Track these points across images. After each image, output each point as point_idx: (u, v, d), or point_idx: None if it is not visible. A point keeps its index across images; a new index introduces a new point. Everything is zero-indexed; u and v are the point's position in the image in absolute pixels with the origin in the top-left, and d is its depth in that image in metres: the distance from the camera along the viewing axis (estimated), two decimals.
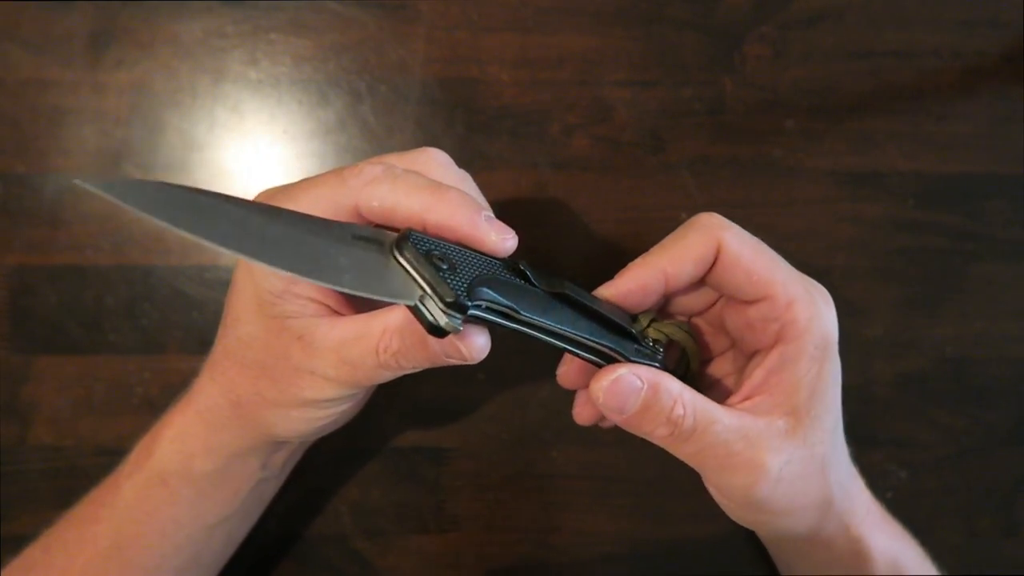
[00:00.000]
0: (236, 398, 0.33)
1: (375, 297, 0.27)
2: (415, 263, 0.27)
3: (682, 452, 0.32)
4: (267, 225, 0.26)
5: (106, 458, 0.44)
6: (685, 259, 0.32)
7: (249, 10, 0.45)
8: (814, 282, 0.34)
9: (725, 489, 0.33)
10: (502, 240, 0.29)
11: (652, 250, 0.33)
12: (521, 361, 0.45)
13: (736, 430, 0.31)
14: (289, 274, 0.26)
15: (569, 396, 0.46)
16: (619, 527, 0.46)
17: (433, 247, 0.28)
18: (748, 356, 0.35)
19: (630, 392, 0.30)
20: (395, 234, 0.28)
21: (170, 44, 0.45)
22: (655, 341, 0.34)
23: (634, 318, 0.34)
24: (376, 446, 0.45)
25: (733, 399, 0.33)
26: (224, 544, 0.39)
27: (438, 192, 0.29)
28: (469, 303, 0.27)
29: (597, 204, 0.46)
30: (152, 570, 0.36)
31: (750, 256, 0.32)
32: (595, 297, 0.32)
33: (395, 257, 0.28)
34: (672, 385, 0.31)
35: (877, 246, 0.47)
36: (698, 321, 0.37)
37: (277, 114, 0.45)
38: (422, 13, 0.45)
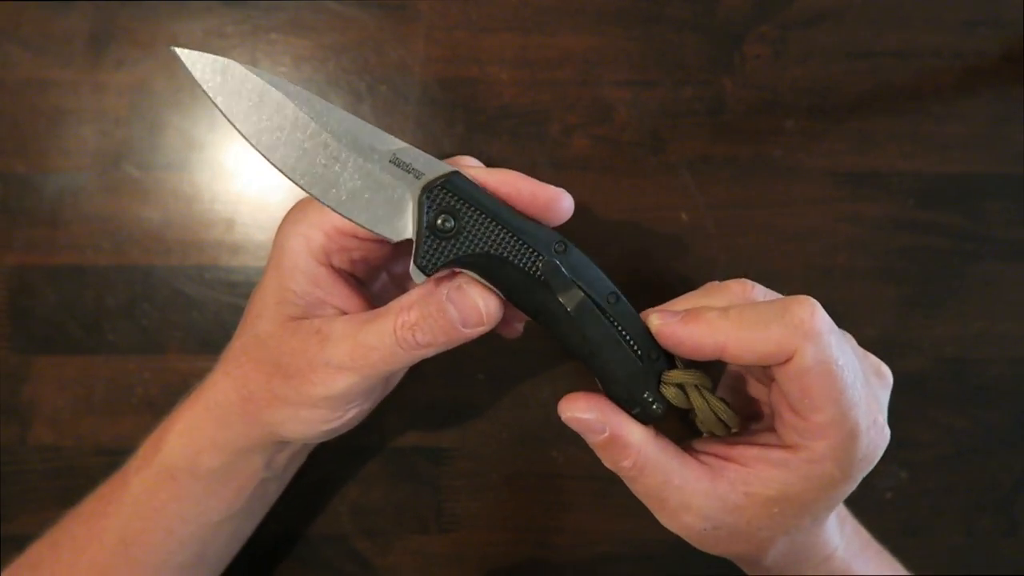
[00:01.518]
0: (248, 393, 0.34)
1: (359, 222, 0.30)
2: (418, 211, 0.29)
3: (628, 485, 0.33)
4: (308, 129, 0.30)
5: (106, 458, 0.44)
6: (751, 351, 0.29)
7: (249, 10, 0.45)
8: (873, 425, 0.31)
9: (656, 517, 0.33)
10: (561, 191, 0.31)
11: (730, 313, 0.30)
12: (521, 361, 0.45)
13: (680, 491, 0.31)
14: (294, 182, 0.29)
15: None
16: (619, 527, 0.46)
17: (461, 202, 0.30)
18: (769, 423, 0.34)
19: (590, 431, 0.32)
20: (443, 170, 0.30)
21: (170, 44, 0.45)
22: (667, 400, 0.32)
23: (671, 360, 0.32)
24: (376, 446, 0.45)
25: (716, 446, 0.33)
26: (228, 543, 0.39)
27: (494, 168, 0.31)
28: (423, 276, 0.30)
29: (597, 204, 0.46)
30: (157, 567, 0.36)
31: (816, 378, 0.29)
32: (615, 341, 0.31)
33: (418, 194, 0.30)
34: (632, 439, 0.31)
35: (877, 246, 0.47)
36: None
37: None
38: (422, 13, 0.45)
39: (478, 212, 0.30)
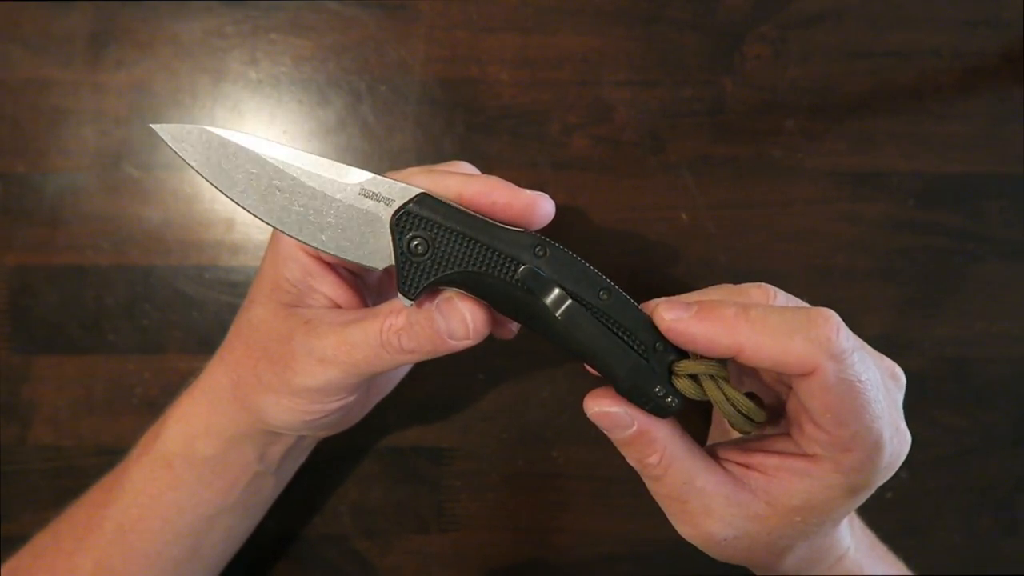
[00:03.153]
0: (236, 378, 0.34)
1: (346, 258, 0.30)
2: (392, 239, 0.30)
3: (648, 486, 0.32)
4: (280, 176, 0.30)
5: (106, 458, 0.44)
6: (769, 358, 0.28)
7: (249, 10, 0.45)
8: (896, 432, 0.30)
9: (675, 526, 0.33)
10: (538, 196, 0.30)
11: (752, 314, 0.29)
12: (521, 361, 0.45)
13: (703, 494, 0.31)
14: (277, 229, 0.30)
15: (569, 396, 0.46)
16: (619, 527, 0.46)
17: (432, 223, 0.30)
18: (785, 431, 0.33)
19: (617, 426, 0.31)
20: (411, 194, 0.30)
21: (170, 44, 0.45)
22: (679, 392, 0.30)
23: (679, 351, 0.30)
24: (376, 446, 0.45)
25: (736, 452, 0.32)
26: (223, 540, 0.39)
27: (472, 176, 0.31)
28: (410, 301, 0.30)
29: (597, 204, 0.46)
30: (152, 556, 0.36)
31: (839, 396, 0.28)
32: (611, 340, 0.30)
33: (389, 222, 0.30)
34: (659, 434, 0.30)
35: (877, 246, 0.46)
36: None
37: (277, 114, 0.45)
38: (422, 13, 0.45)
39: (448, 232, 0.30)
